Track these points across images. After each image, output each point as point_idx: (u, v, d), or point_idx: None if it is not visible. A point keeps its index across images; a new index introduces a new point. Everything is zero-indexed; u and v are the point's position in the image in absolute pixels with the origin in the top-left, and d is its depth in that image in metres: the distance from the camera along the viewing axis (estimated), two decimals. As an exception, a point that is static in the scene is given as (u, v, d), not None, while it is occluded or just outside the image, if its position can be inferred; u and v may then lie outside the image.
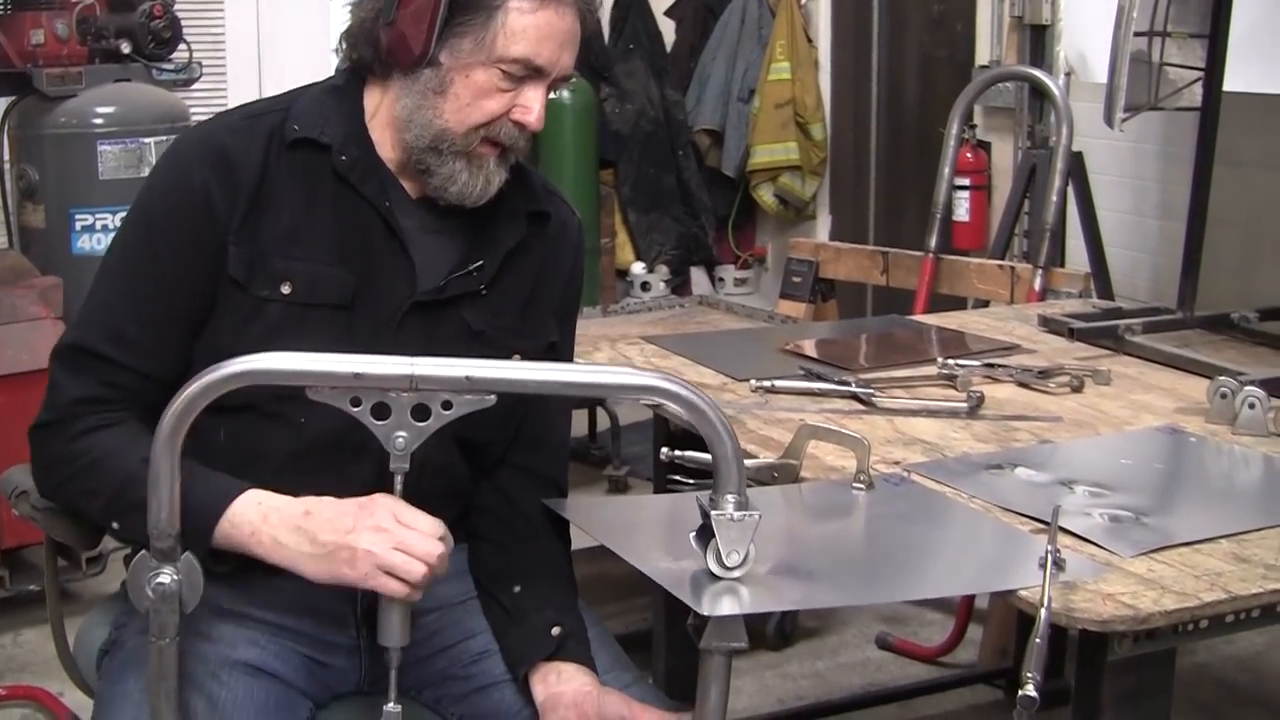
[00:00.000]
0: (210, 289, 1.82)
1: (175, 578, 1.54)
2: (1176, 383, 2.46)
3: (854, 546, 1.83)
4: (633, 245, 6.59)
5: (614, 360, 2.73)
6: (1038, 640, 1.48)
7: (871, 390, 2.34)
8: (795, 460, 1.98)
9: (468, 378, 1.53)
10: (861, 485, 1.90)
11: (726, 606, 1.52)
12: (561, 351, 2.04)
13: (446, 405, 1.55)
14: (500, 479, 2.00)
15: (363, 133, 1.89)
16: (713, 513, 1.53)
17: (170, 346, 1.82)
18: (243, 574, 1.78)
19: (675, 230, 6.61)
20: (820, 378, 2.44)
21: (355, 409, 1.54)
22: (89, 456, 1.79)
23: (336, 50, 1.94)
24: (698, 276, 6.85)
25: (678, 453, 2.02)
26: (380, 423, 1.56)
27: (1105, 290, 3.92)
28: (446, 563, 1.68)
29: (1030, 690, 1.44)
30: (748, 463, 1.98)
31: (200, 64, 4.64)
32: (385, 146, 1.90)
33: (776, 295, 4.15)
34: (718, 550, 1.54)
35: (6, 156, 4.51)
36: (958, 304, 3.92)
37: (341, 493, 1.71)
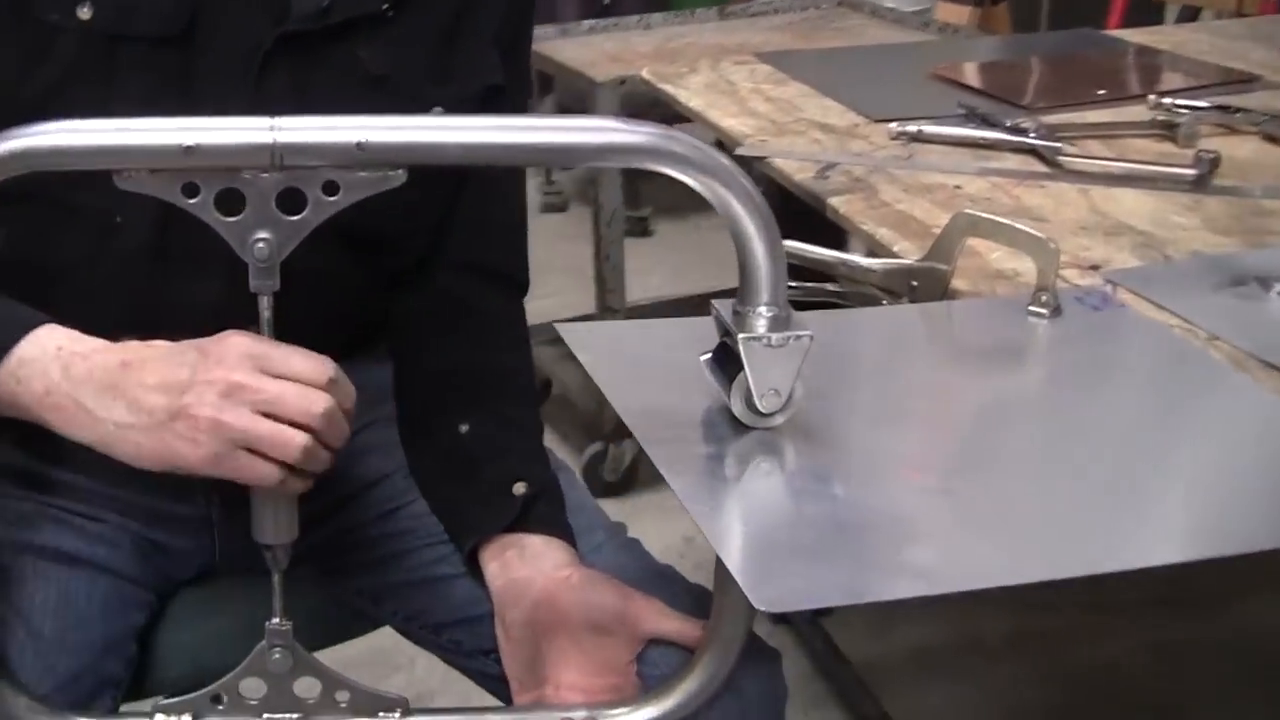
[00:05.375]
0: None
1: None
2: None
3: (1032, 436, 1.09)
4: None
5: (711, 86, 2.08)
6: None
7: (1058, 143, 1.67)
8: (945, 264, 1.34)
9: (359, 144, 0.94)
10: (1043, 310, 1.26)
11: (782, 599, 0.86)
12: (511, 98, 1.38)
13: (330, 188, 0.97)
14: (437, 278, 1.40)
15: None
16: (740, 335, 0.99)
17: None
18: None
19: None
20: (986, 120, 1.77)
21: (191, 200, 0.96)
22: None
23: None
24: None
25: (791, 244, 1.41)
26: (231, 219, 0.97)
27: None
28: (342, 427, 1.09)
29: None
30: (874, 262, 1.38)
31: None
32: None
33: (935, -5, 3.45)
34: (746, 387, 1.01)
35: None
36: (1154, 15, 3.16)
37: (181, 333, 1.10)
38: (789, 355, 0.99)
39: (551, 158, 1.01)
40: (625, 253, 2.96)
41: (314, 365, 1.06)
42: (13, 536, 1.25)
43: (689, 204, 4.85)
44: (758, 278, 0.99)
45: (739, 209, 0.97)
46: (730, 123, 1.89)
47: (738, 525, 0.91)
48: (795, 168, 1.69)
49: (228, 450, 1.05)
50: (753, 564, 0.86)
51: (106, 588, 1.27)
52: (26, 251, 1.21)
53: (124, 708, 1.24)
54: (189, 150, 0.92)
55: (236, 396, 1.04)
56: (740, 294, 1.00)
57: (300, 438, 1.05)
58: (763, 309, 0.99)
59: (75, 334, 1.12)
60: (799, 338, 0.99)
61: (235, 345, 1.06)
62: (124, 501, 1.31)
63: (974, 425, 1.08)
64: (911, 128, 1.76)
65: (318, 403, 1.05)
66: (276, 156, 0.93)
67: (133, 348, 1.10)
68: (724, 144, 1.86)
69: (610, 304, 2.88)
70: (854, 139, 1.78)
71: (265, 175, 0.94)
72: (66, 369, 1.09)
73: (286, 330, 1.23)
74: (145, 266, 1.21)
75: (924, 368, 1.19)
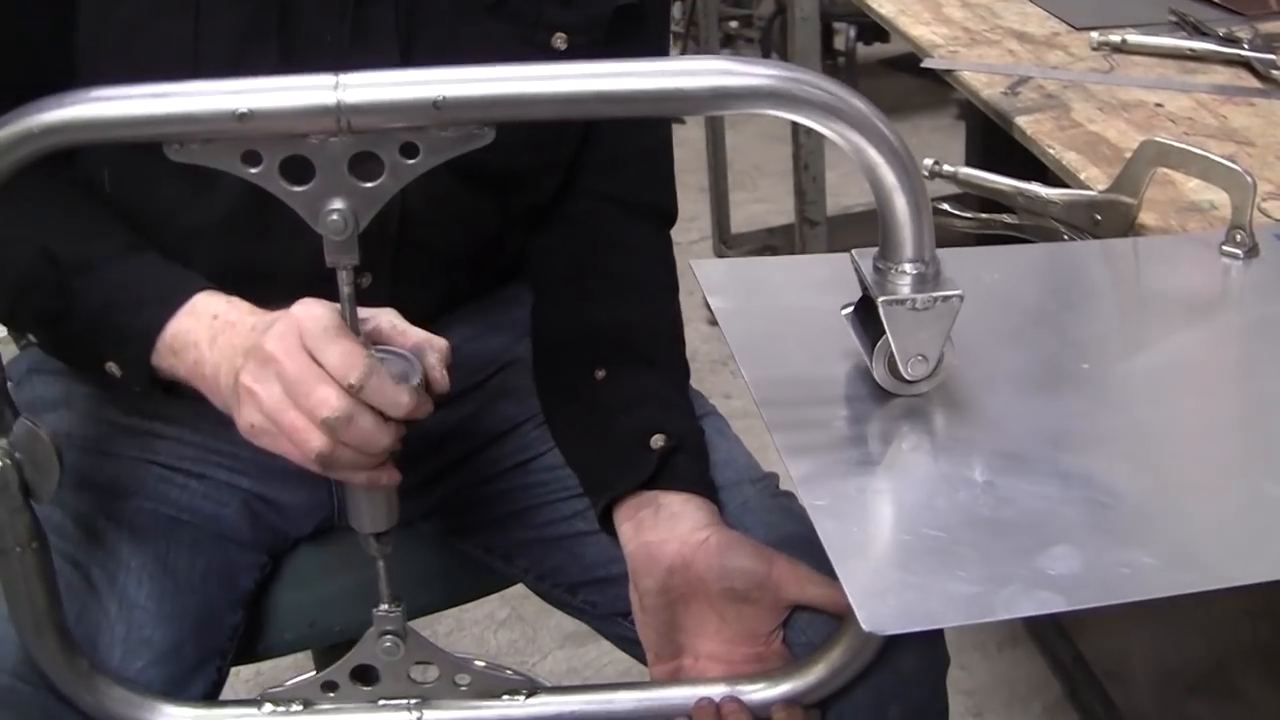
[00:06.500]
0: None
1: (7, 459, 0.93)
2: None
3: (1209, 410, 0.95)
4: None
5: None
6: None
7: (1273, 55, 1.52)
8: (1130, 197, 1.22)
9: (436, 102, 0.83)
10: (1237, 250, 1.13)
11: (895, 620, 0.74)
12: (648, 21, 1.25)
13: (409, 150, 0.86)
14: (575, 213, 1.29)
15: None
16: (880, 298, 0.89)
17: (34, 40, 1.11)
18: None
19: None
20: (1198, 29, 1.63)
21: (253, 170, 0.87)
22: None
23: None
24: None
25: (966, 171, 1.32)
26: (300, 189, 0.87)
27: None
28: (370, 437, 0.96)
29: None
30: (1054, 193, 1.26)
31: None
32: None
33: None
34: (889, 351, 0.91)
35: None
36: None
37: (279, 293, 1.01)
38: (936, 318, 0.89)
39: (655, 108, 0.89)
40: (841, 156, 2.84)
41: (344, 361, 0.94)
42: (109, 498, 1.19)
43: (911, 104, 4.68)
44: (900, 234, 0.88)
45: (876, 156, 0.87)
46: (920, 30, 1.77)
47: (857, 525, 0.81)
48: (984, 82, 1.57)
49: (264, 424, 0.97)
50: (867, 575, 0.76)
51: (210, 552, 1.21)
52: (127, 195, 1.15)
53: (230, 683, 1.19)
54: (243, 117, 0.83)
55: (269, 368, 0.96)
56: (882, 249, 0.90)
57: (316, 441, 0.94)
58: (906, 266, 0.89)
59: (234, 301, 1.05)
60: (947, 299, 0.89)
61: (294, 315, 0.96)
62: (232, 456, 1.24)
63: (1145, 394, 0.95)
64: (1114, 37, 1.62)
65: (324, 406, 0.93)
66: (343, 119, 0.83)
67: (265, 314, 1.03)
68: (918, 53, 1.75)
69: (809, 215, 2.77)
70: (1052, 50, 1.65)
71: (334, 139, 0.85)
72: (214, 339, 1.03)
73: (416, 273, 1.17)
74: (245, 219, 1.13)
75: (1097, 319, 1.06)
